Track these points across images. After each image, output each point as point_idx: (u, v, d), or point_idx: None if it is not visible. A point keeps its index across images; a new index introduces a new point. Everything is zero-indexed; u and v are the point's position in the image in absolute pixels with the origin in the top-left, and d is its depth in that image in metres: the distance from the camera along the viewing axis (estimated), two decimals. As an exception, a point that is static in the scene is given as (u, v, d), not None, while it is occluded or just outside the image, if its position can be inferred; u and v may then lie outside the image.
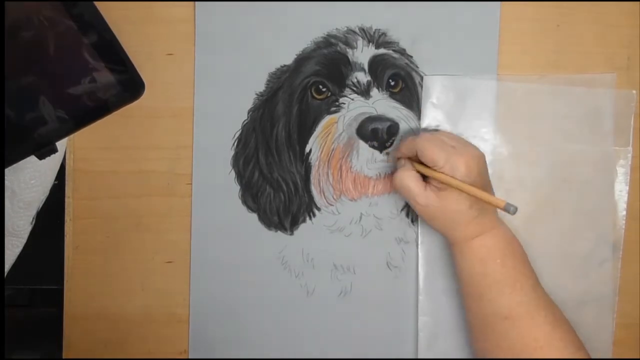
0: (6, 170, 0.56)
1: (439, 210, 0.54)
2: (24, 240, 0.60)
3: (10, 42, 0.51)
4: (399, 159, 0.58)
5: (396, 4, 0.59)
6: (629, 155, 0.61)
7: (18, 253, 0.60)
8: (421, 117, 0.60)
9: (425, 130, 0.59)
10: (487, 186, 0.55)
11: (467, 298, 0.56)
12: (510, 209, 0.50)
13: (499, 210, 0.54)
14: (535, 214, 0.60)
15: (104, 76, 0.54)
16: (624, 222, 0.61)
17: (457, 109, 0.60)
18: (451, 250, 0.57)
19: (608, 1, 0.60)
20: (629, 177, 0.61)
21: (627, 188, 0.61)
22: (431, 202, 0.54)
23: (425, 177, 0.55)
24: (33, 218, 0.59)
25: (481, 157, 0.55)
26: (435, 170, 0.53)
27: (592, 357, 0.60)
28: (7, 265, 0.59)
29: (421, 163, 0.55)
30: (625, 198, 0.61)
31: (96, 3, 0.53)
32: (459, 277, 0.56)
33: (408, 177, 0.55)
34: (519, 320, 0.53)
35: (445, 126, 0.60)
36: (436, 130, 0.59)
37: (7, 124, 0.52)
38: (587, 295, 0.60)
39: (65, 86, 0.53)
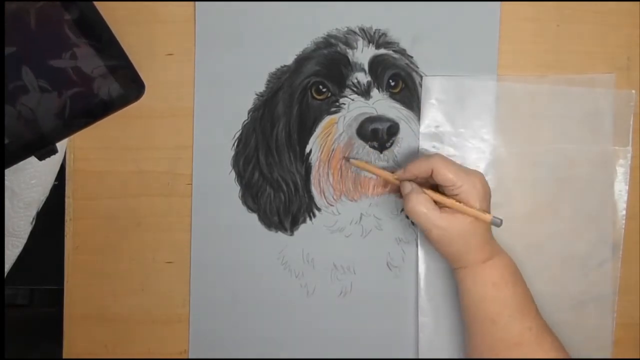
0: (6, 171, 0.56)
1: (456, 234, 0.53)
2: (24, 240, 0.60)
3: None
4: (402, 182, 0.56)
5: (396, 4, 0.59)
6: (629, 155, 0.61)
7: (18, 253, 0.60)
8: (421, 117, 0.60)
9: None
10: (489, 208, 0.55)
11: (473, 325, 0.55)
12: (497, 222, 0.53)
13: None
14: (535, 214, 0.60)
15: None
16: (623, 222, 0.61)
17: (457, 109, 0.60)
18: (458, 275, 0.55)
19: (608, 1, 0.60)
20: (628, 176, 0.61)
21: (627, 188, 0.61)
22: (448, 225, 0.53)
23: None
24: (33, 218, 0.59)
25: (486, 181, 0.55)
26: (443, 192, 0.54)
27: (592, 357, 0.61)
28: (7, 265, 0.59)
29: (429, 186, 0.55)
30: (625, 198, 0.61)
31: (96, 3, 0.53)
32: (466, 303, 0.55)
33: (424, 202, 0.54)
34: (529, 346, 0.52)
35: (446, 126, 0.60)
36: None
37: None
38: (587, 295, 0.60)
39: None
